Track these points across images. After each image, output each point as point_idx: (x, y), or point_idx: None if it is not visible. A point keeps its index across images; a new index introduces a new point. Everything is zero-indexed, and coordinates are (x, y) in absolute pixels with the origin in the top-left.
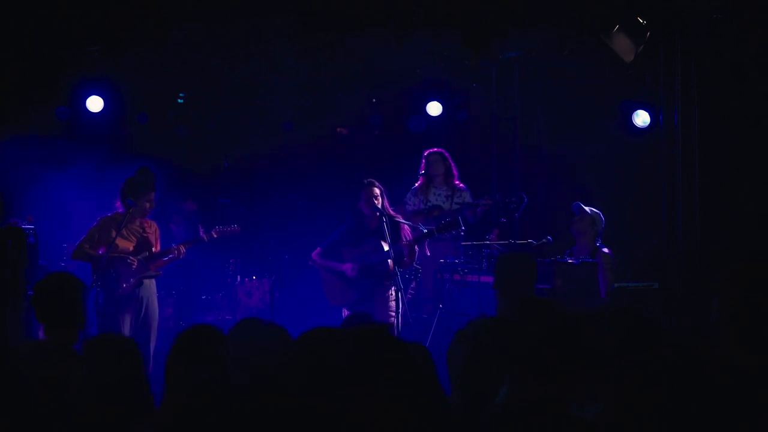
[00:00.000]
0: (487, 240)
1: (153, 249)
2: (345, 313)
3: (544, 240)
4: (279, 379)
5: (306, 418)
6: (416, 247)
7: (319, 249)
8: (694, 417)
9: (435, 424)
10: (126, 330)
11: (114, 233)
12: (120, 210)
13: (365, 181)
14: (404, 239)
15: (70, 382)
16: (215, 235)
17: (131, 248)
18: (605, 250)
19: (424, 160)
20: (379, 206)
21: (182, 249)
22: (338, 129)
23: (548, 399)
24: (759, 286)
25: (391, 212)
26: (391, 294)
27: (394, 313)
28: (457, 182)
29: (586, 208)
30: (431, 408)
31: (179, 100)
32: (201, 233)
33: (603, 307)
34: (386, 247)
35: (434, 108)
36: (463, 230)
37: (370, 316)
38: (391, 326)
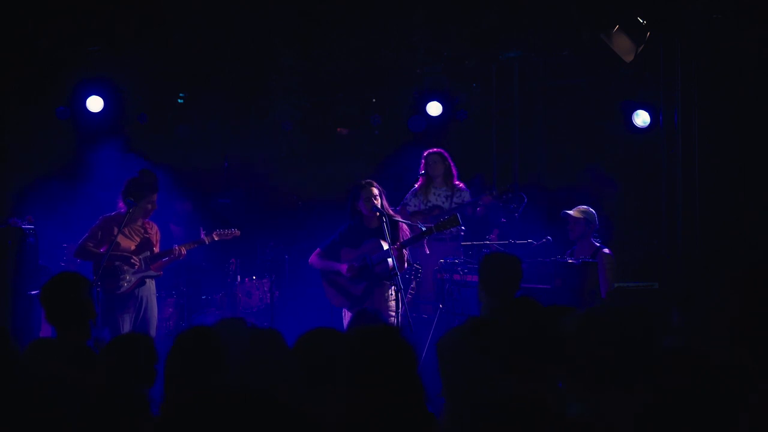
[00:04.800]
0: (487, 240)
1: (154, 249)
2: (345, 313)
3: (544, 240)
4: (270, 380)
5: (303, 419)
6: (405, 251)
7: (318, 250)
8: (695, 417)
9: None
10: (125, 329)
11: (116, 232)
12: (122, 210)
13: (363, 182)
14: (400, 238)
15: (83, 380)
16: (216, 238)
17: (133, 247)
18: (606, 250)
19: (423, 161)
20: (378, 206)
21: (183, 250)
22: (338, 129)
23: (530, 396)
24: (759, 288)
25: (390, 212)
26: (391, 294)
27: (394, 313)
28: (456, 182)
29: (573, 212)
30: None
31: (179, 100)
32: (202, 235)
33: (603, 307)
34: (386, 247)
35: (434, 108)
36: (463, 229)
37: (377, 314)
38: (400, 328)
